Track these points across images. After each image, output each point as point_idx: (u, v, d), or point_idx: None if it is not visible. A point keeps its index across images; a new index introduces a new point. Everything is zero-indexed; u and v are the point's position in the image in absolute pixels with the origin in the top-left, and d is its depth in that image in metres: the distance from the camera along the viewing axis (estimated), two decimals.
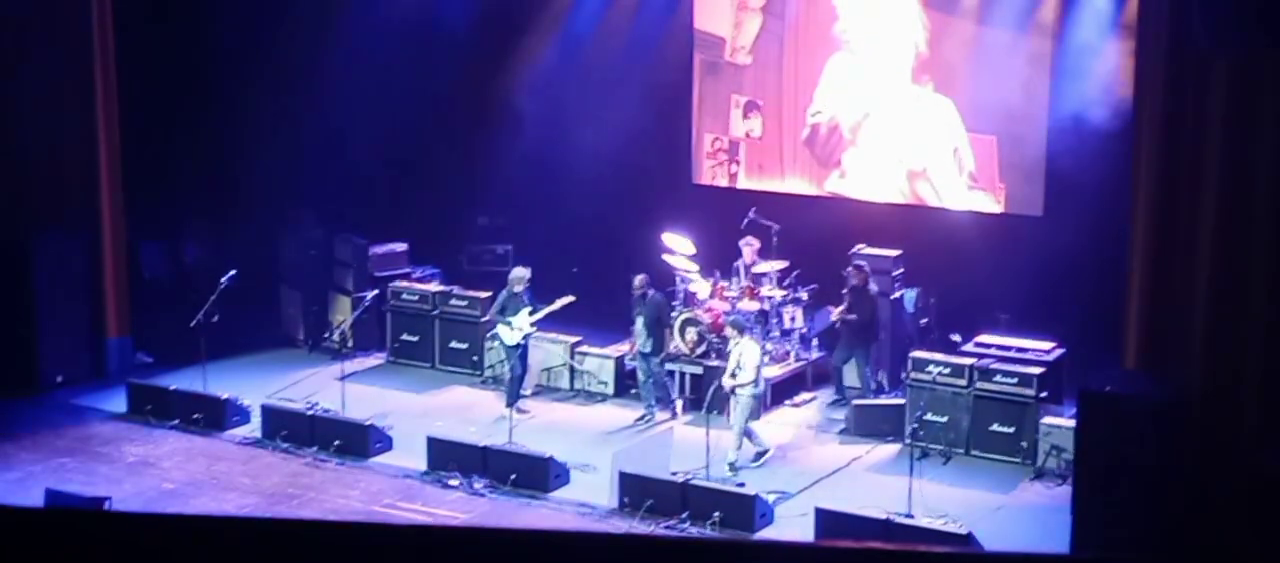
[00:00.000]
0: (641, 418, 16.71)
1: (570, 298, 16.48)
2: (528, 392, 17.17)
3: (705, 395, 15.59)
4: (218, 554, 5.28)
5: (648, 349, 16.54)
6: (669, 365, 16.82)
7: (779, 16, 19.66)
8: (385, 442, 15.85)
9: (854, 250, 17.69)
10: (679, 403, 16.76)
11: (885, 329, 17.40)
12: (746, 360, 15.16)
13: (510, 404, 16.48)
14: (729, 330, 15.68)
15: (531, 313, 16.49)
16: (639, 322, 16.60)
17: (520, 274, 16.70)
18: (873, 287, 17.13)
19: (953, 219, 18.61)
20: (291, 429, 16.00)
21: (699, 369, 16.90)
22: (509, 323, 16.52)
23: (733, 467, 15.09)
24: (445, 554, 5.33)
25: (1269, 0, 13.15)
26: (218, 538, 5.44)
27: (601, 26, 20.23)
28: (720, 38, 20.04)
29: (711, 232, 18.30)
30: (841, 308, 16.98)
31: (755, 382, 15.26)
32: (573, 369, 17.73)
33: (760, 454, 15.37)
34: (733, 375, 15.11)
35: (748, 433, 15.32)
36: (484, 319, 17.62)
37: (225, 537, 5.48)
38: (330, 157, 19.84)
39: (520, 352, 16.64)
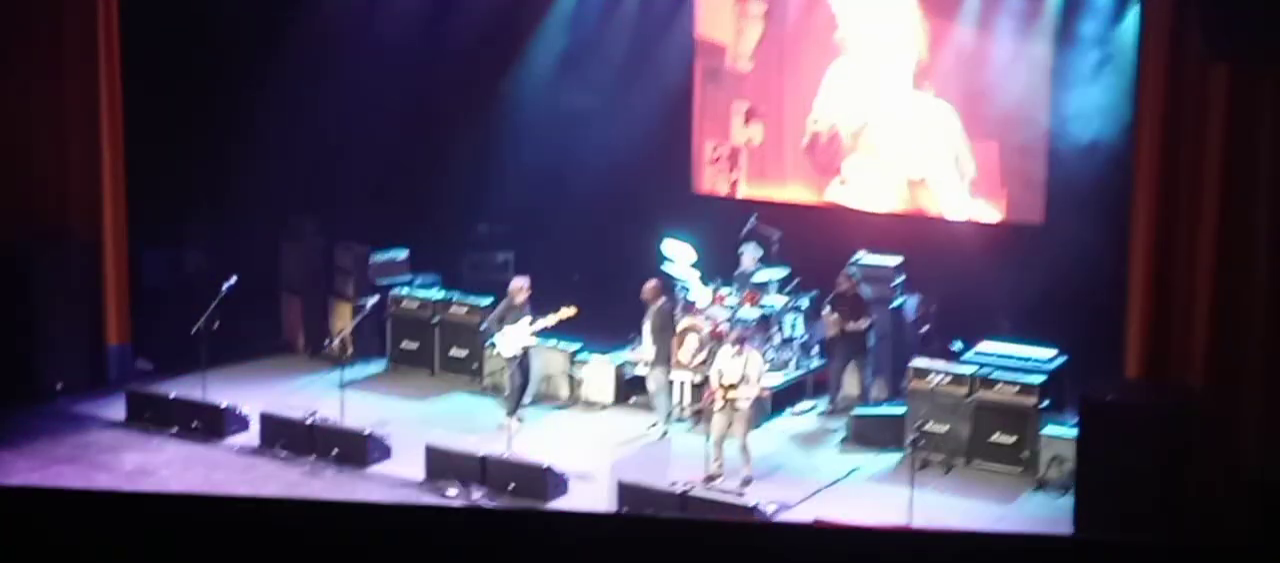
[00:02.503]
0: (654, 426, 16.68)
1: (572, 311, 16.34)
2: (528, 401, 17.12)
3: (705, 406, 15.54)
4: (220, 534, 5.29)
5: (654, 358, 16.52)
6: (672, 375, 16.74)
7: (780, 23, 19.62)
8: (384, 451, 15.81)
9: (854, 258, 17.65)
10: (666, 428, 16.64)
11: (885, 337, 17.34)
12: (753, 372, 15.06)
13: (510, 414, 16.43)
14: (730, 341, 15.49)
15: (531, 324, 16.42)
16: (645, 328, 16.57)
17: (519, 284, 16.62)
18: (865, 292, 17.07)
19: (954, 227, 18.55)
20: (290, 438, 15.96)
21: (699, 378, 16.85)
22: (504, 333, 16.47)
23: (747, 481, 14.99)
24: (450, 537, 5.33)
25: (1269, 8, 13.13)
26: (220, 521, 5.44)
27: (602, 33, 20.20)
28: (721, 45, 20.00)
29: (712, 239, 18.25)
30: (837, 318, 16.89)
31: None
32: (572, 378, 17.69)
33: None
34: (734, 386, 14.97)
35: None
36: (483, 328, 17.57)
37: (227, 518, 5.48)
38: (331, 164, 19.84)
39: (520, 362, 16.58)
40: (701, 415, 15.96)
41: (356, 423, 16.07)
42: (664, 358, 16.46)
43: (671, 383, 16.71)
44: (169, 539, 5.48)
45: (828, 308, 17.05)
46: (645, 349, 16.57)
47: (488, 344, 17.35)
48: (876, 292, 17.41)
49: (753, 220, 18.12)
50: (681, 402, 16.82)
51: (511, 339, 16.42)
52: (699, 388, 16.63)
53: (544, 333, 16.64)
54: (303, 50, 19.21)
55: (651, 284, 16.61)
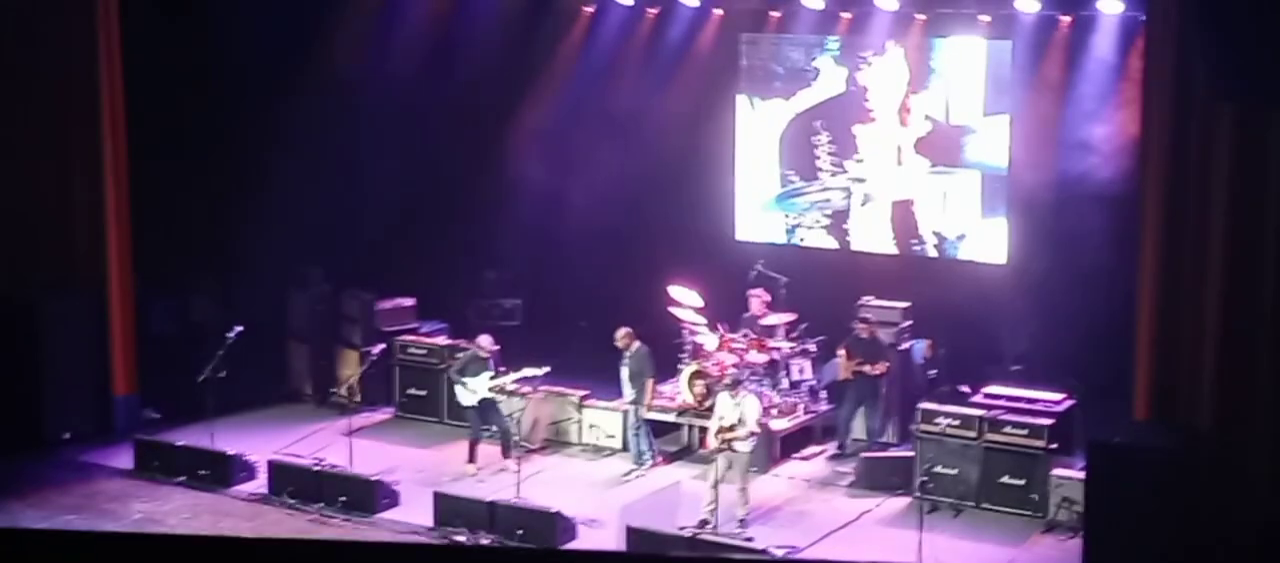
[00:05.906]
0: (628, 473, 16.74)
1: (545, 369, 16.60)
2: (535, 445, 17.14)
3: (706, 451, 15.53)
4: None
5: (631, 400, 16.65)
6: (672, 418, 16.75)
7: None
8: (392, 497, 15.78)
9: (862, 302, 17.64)
10: (651, 464, 16.70)
11: (894, 381, 17.31)
12: (749, 416, 15.02)
13: (506, 455, 16.51)
14: (724, 389, 15.38)
15: (493, 378, 16.57)
16: (624, 373, 16.68)
17: (485, 342, 16.90)
18: (882, 337, 17.09)
19: (961, 271, 18.55)
20: (298, 485, 15.94)
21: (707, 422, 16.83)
22: (464, 383, 16.58)
23: (743, 522, 14.97)
24: None
25: (1273, 49, 13.15)
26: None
27: (608, 80, 20.26)
28: None
29: (718, 284, 18.23)
30: (854, 362, 16.86)
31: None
32: (580, 424, 17.68)
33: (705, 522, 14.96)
34: (731, 430, 14.91)
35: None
36: (442, 368, 17.84)
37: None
38: (337, 212, 19.85)
39: (483, 412, 16.70)
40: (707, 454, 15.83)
41: (365, 470, 16.04)
42: (639, 401, 16.57)
43: (644, 426, 16.82)
44: None
45: (842, 353, 17.02)
46: (625, 393, 16.71)
47: (456, 385, 17.23)
48: (885, 336, 17.39)
49: (758, 267, 18.11)
50: (653, 446, 16.80)
51: (471, 390, 16.60)
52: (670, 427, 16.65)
53: (546, 378, 16.76)
54: (309, 98, 19.25)
55: (624, 331, 16.72)
